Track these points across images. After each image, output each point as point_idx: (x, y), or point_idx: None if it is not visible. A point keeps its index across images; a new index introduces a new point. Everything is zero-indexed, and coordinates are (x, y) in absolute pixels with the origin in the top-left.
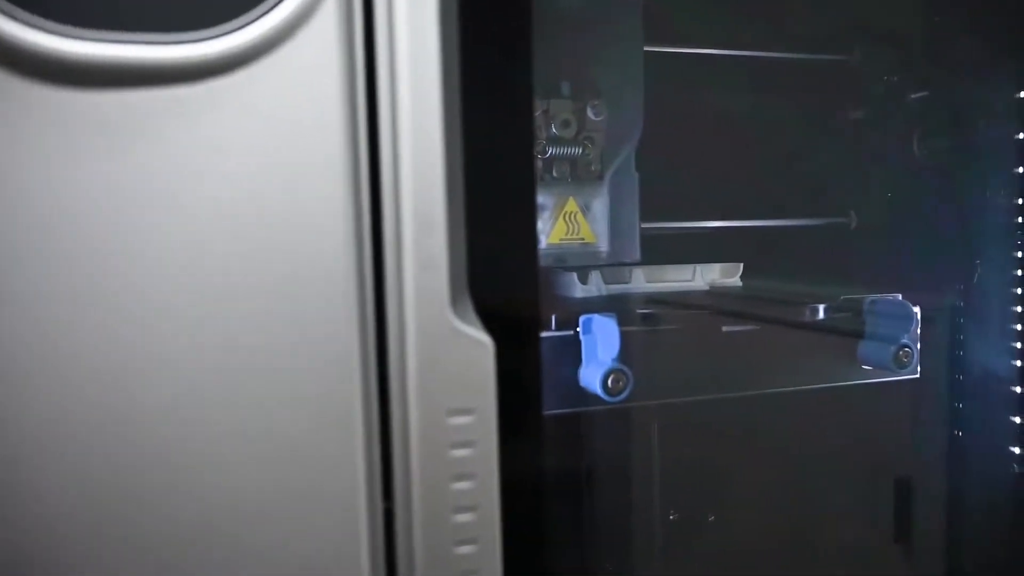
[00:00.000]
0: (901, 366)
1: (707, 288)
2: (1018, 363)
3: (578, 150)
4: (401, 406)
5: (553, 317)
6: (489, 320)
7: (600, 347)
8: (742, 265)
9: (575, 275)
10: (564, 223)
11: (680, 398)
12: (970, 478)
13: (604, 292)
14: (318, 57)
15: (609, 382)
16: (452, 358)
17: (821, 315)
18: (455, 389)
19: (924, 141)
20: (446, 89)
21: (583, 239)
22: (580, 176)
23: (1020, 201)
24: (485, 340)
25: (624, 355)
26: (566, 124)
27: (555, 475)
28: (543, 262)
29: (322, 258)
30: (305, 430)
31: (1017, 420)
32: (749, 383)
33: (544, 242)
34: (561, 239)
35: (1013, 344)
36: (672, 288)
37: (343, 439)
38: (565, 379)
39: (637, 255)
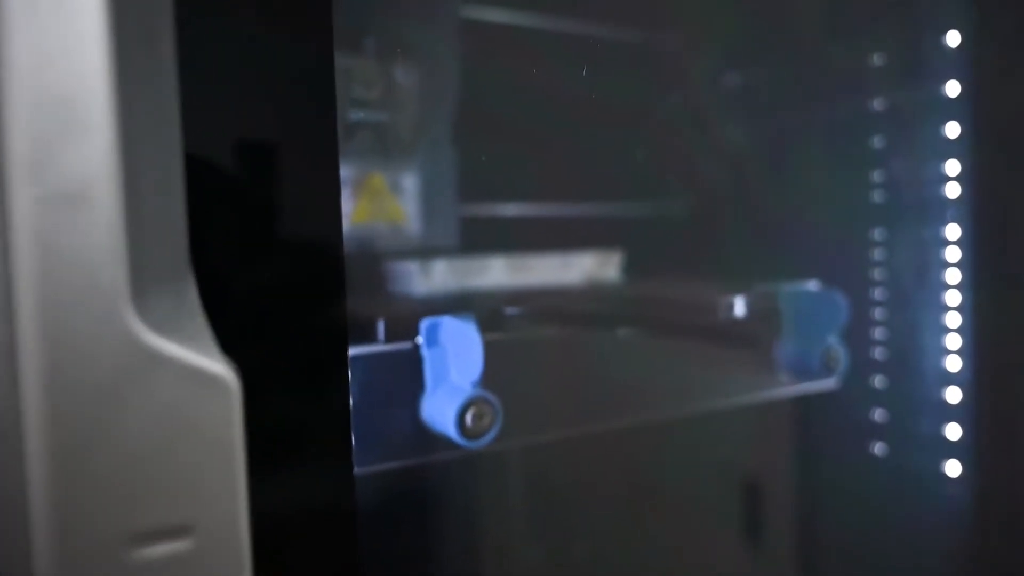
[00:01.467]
0: (831, 371)
1: (584, 283)
2: (953, 364)
3: (385, 116)
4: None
5: (381, 323)
6: (244, 335)
7: (454, 365)
8: (619, 256)
9: (415, 265)
10: (368, 200)
11: (566, 432)
12: (893, 506)
13: (453, 287)
14: None
15: (468, 418)
16: (143, 414)
17: (738, 311)
18: (150, 486)
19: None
20: None
21: (393, 219)
22: (388, 147)
23: (950, 170)
24: (219, 372)
25: (488, 376)
26: (369, 84)
27: None
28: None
29: None
30: None
31: (951, 433)
32: (652, 403)
33: (346, 223)
34: (366, 219)
35: (943, 341)
36: (544, 282)
37: None
38: (399, 415)
39: (454, 239)
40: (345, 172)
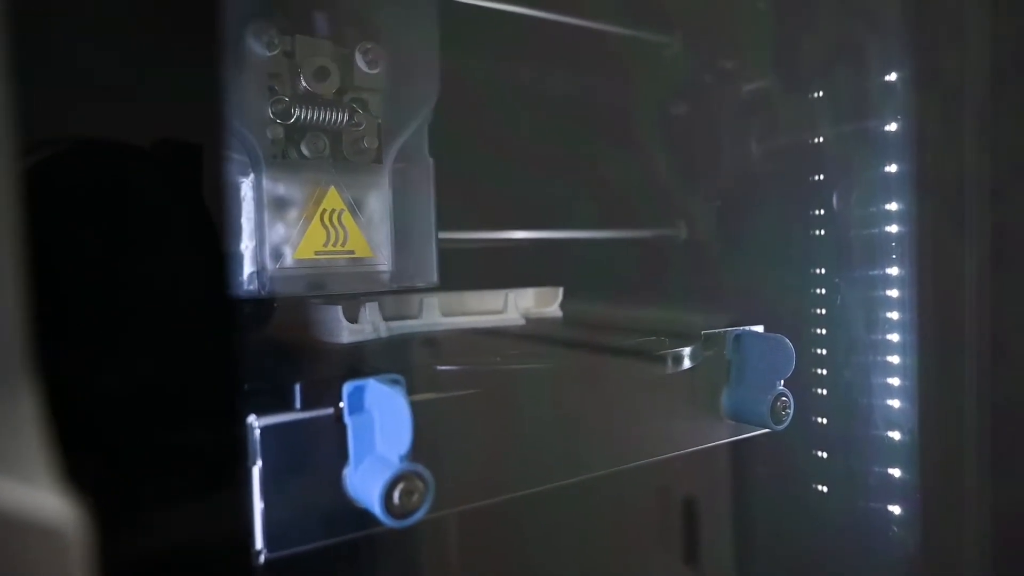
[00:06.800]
0: (779, 421)
1: (523, 322)
2: (895, 403)
3: (342, 116)
4: None
5: (297, 387)
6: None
7: (380, 435)
8: (562, 291)
9: (339, 310)
10: (322, 226)
11: (499, 496)
12: (838, 544)
13: (384, 333)
14: None
15: (396, 496)
16: None
17: (687, 363)
18: None
19: (763, 140)
20: None
21: (352, 252)
22: (346, 156)
23: (892, 206)
24: (52, 519)
25: (418, 442)
26: (323, 74)
27: None
28: (286, 287)
29: None
30: None
31: (895, 472)
32: (592, 459)
33: (289, 257)
34: (317, 252)
35: (887, 380)
36: (480, 324)
37: None
38: (320, 491)
39: (434, 277)
40: (290, 190)
